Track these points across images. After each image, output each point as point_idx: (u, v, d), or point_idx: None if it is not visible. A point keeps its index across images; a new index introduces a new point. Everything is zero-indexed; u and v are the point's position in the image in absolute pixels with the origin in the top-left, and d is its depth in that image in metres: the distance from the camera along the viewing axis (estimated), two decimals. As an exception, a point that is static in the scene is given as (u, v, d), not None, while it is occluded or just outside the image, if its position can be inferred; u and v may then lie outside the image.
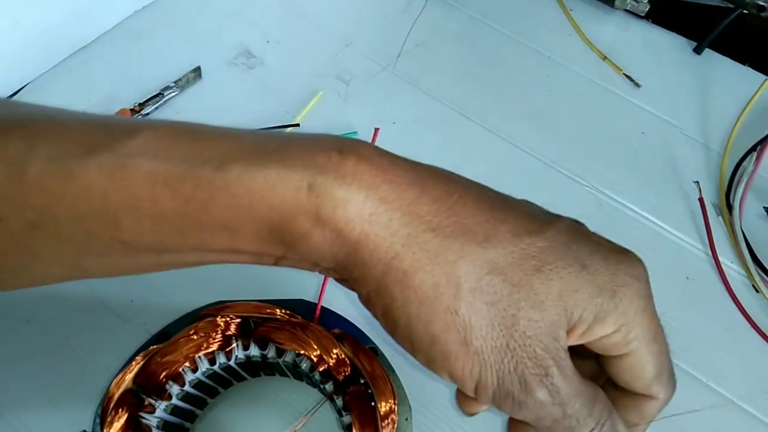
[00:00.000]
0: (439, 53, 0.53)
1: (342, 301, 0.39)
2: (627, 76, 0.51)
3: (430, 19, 0.55)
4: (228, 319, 0.34)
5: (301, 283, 0.41)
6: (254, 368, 0.36)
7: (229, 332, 0.34)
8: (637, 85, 0.51)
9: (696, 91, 0.51)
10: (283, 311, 0.34)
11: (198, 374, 0.34)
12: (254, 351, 0.34)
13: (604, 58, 0.52)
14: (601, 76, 0.52)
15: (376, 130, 0.37)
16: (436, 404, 0.38)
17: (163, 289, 0.40)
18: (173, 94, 0.47)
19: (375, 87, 0.50)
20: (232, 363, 0.34)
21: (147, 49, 0.52)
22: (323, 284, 0.39)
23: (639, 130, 0.49)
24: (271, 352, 0.34)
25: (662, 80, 0.52)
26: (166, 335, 0.36)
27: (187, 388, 0.33)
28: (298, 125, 0.48)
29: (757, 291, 0.42)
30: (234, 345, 0.34)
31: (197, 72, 0.50)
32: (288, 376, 0.36)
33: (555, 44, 0.54)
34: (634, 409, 0.26)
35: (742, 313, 0.42)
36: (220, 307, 0.36)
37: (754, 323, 0.42)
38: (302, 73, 0.51)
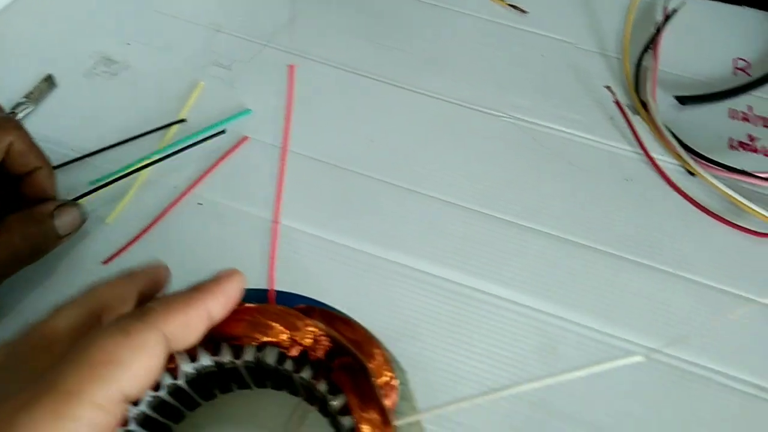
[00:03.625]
0: (323, 20, 0.49)
1: (297, 280, 0.34)
2: (512, 6, 0.50)
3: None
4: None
5: (229, 264, 0.37)
6: (216, 383, 0.30)
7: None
8: (524, 12, 0.50)
9: (579, 4, 0.52)
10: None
11: (142, 407, 0.27)
12: (205, 360, 0.28)
13: (485, -6, 0.51)
14: (489, 11, 0.51)
15: (291, 66, 0.32)
16: (428, 365, 0.35)
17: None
18: (28, 110, 0.40)
19: (261, 65, 0.46)
20: (180, 383, 0.28)
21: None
22: (271, 263, 0.34)
23: (537, 53, 0.48)
24: (226, 356, 0.28)
25: (546, 2, 0.51)
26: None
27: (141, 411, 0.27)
28: (184, 120, 0.43)
29: (694, 174, 0.42)
30: (177, 359, 0.28)
31: (49, 80, 0.43)
32: (251, 387, 0.31)
33: (434, -8, 0.52)
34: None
35: (687, 199, 0.42)
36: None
37: (700, 205, 0.41)
38: (176, 69, 0.46)
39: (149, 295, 0.29)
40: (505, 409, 0.34)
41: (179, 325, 0.25)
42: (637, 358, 0.24)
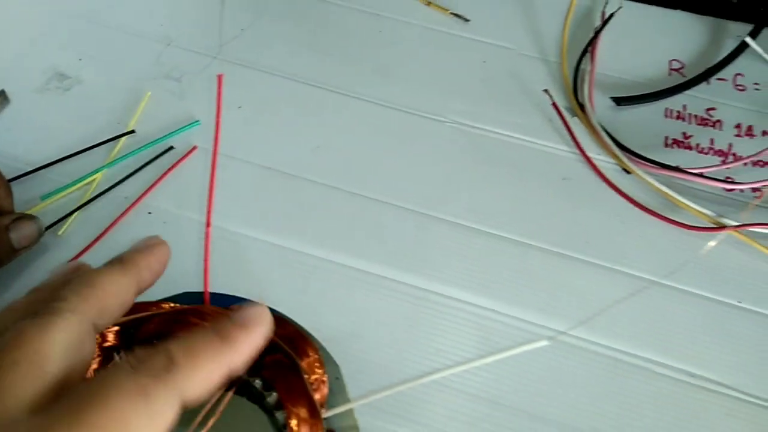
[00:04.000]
0: (268, 32, 0.51)
1: (231, 281, 0.35)
2: (454, 14, 0.52)
3: (249, 2, 0.53)
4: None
5: (178, 277, 0.37)
6: None
7: (108, 343, 0.29)
8: (466, 20, 0.52)
9: (520, 11, 0.53)
10: (170, 304, 0.30)
11: None
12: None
13: (429, 3, 0.53)
14: (431, 20, 0.52)
15: (220, 76, 0.33)
16: (364, 361, 0.36)
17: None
18: (-20, 127, 0.41)
19: (210, 77, 0.47)
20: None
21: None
22: (205, 266, 0.35)
23: (479, 60, 0.50)
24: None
25: (488, 10, 0.53)
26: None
27: None
28: (133, 131, 0.44)
29: (629, 172, 0.44)
30: (117, 359, 0.29)
31: (2, 96, 0.44)
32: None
33: (379, 1, 0.54)
34: None
35: (623, 196, 0.43)
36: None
37: (635, 201, 0.43)
38: (127, 82, 0.47)
39: (146, 288, 0.27)
40: (428, 395, 0.35)
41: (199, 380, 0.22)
42: (543, 342, 0.25)
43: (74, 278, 0.24)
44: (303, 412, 0.27)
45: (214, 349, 0.22)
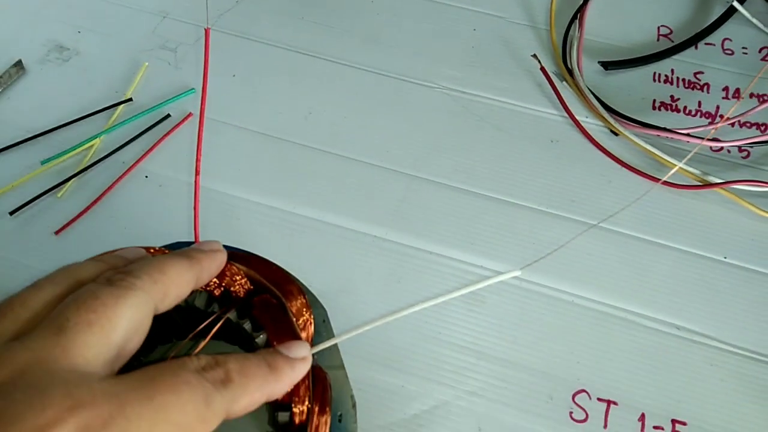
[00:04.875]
0: (261, 4, 0.52)
1: (223, 239, 0.36)
2: (445, -16, 0.53)
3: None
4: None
5: (170, 228, 0.40)
6: (154, 334, 0.32)
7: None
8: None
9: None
10: (163, 248, 0.31)
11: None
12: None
13: (420, -26, 0.53)
14: (422, -10, 0.53)
15: (206, 30, 0.33)
16: (352, 313, 0.37)
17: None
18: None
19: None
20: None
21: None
22: (195, 218, 0.37)
23: (469, 28, 0.50)
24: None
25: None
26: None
27: None
28: (130, 100, 0.45)
29: (617, 134, 0.45)
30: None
31: (19, 66, 0.46)
32: (178, 339, 0.33)
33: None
34: None
35: (610, 157, 0.44)
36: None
37: (623, 162, 0.44)
38: (124, 54, 0.48)
39: (199, 286, 0.28)
40: (415, 346, 0.37)
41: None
42: (517, 272, 0.26)
43: (146, 260, 0.25)
44: (289, 349, 0.28)
45: (263, 377, 0.25)
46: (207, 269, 0.28)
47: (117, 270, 0.24)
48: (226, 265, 0.30)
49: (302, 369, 0.26)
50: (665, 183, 0.42)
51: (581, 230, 0.41)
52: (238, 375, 0.23)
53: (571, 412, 0.35)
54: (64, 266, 0.25)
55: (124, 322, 0.22)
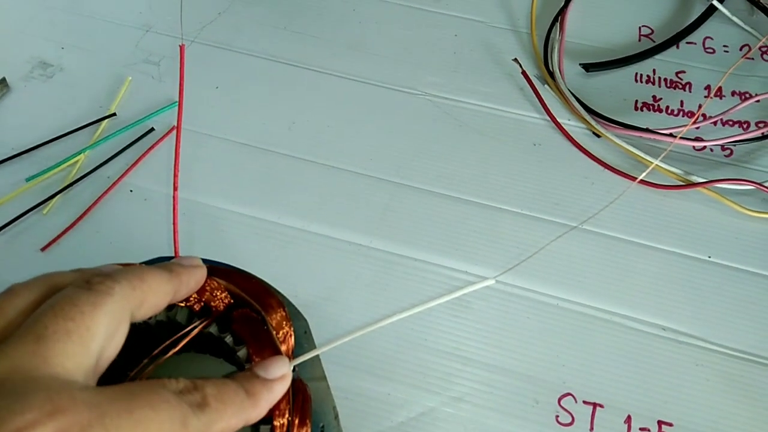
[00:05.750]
0: (244, 15, 0.52)
1: (209, 252, 0.36)
2: (426, -9, 0.53)
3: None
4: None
5: (156, 242, 0.40)
6: (136, 347, 0.32)
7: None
8: (437, -5, 0.53)
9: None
10: (143, 265, 0.31)
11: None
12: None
13: (401, -19, 0.54)
14: (404, -3, 0.54)
15: (181, 47, 0.34)
16: (337, 323, 0.38)
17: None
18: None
19: (188, 60, 0.49)
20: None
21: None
22: (174, 233, 0.37)
23: (451, 34, 0.51)
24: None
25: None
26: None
27: None
28: (114, 115, 0.46)
29: (599, 136, 0.45)
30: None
31: (3, 83, 0.46)
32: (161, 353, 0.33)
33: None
34: None
35: (593, 159, 0.44)
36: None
37: (605, 163, 0.44)
38: (108, 68, 0.49)
39: (176, 301, 0.28)
40: (401, 353, 0.37)
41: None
42: (490, 281, 0.26)
43: (124, 269, 0.25)
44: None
45: (240, 403, 0.24)
46: (186, 284, 0.28)
47: (97, 272, 0.24)
48: (206, 280, 0.30)
49: (280, 390, 0.26)
50: (648, 183, 0.42)
51: (565, 233, 0.41)
52: (215, 400, 0.23)
53: (557, 416, 0.35)
54: (41, 274, 0.25)
55: (102, 329, 0.22)
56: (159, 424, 0.21)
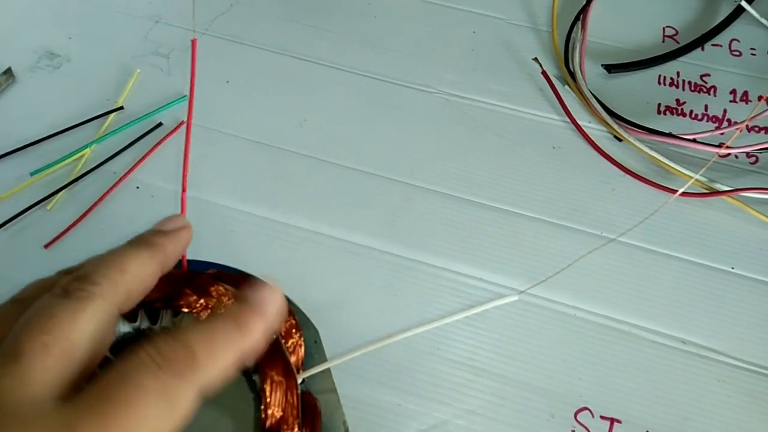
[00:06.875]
0: (257, 8, 0.51)
1: (218, 253, 0.35)
2: (444, -15, 0.52)
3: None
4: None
5: None
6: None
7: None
8: (455, -10, 0.51)
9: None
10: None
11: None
12: (124, 327, 0.30)
13: (419, -25, 0.52)
14: (421, -8, 0.52)
15: (193, 41, 0.33)
16: (347, 328, 0.36)
17: None
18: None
19: (199, 53, 0.47)
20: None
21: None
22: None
23: (469, 31, 0.49)
24: (144, 322, 0.30)
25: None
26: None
27: None
28: (122, 108, 0.44)
29: (620, 140, 0.43)
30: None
31: (9, 74, 0.45)
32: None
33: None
34: None
35: (613, 164, 0.43)
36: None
37: (627, 169, 0.42)
38: (116, 60, 0.47)
39: (166, 272, 0.26)
40: (411, 362, 0.36)
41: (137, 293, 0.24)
42: (514, 298, 0.25)
43: (103, 260, 0.23)
44: (277, 373, 0.27)
45: (232, 338, 0.22)
46: (172, 253, 0.26)
47: (74, 276, 0.23)
48: (212, 286, 0.29)
49: (273, 316, 0.24)
50: (669, 190, 0.41)
51: (584, 240, 0.39)
52: (203, 349, 0.21)
53: (573, 431, 0.34)
54: (101, 260, 0.23)
55: (85, 336, 0.21)
56: (141, 420, 0.20)
